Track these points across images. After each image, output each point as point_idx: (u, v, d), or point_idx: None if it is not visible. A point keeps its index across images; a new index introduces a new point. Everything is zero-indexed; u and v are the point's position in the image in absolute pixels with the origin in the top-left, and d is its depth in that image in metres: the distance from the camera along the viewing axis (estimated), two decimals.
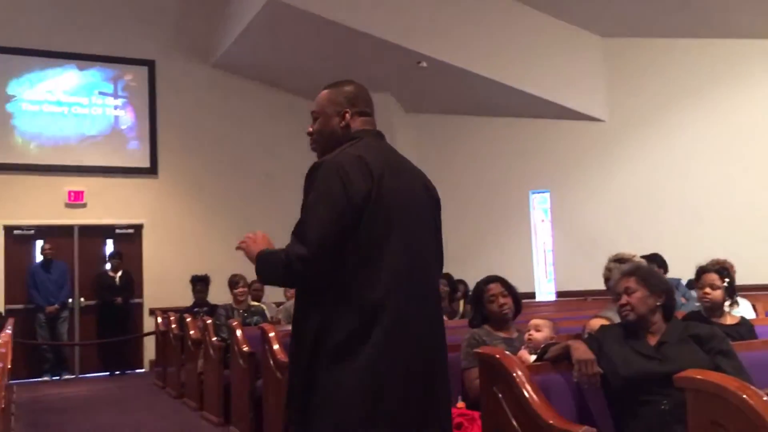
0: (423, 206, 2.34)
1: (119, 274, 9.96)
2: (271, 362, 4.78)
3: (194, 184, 10.82)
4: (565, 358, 2.97)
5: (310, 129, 2.42)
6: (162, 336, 8.67)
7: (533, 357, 3.40)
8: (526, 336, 3.66)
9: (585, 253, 9.00)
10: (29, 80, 10.14)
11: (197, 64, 10.92)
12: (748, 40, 8.18)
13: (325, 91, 2.41)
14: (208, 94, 10.98)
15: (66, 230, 10.12)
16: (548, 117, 9.62)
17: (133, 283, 10.09)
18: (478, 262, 9.45)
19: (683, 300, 5.52)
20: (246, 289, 6.81)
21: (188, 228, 10.67)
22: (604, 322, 3.48)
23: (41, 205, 9.94)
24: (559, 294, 9.59)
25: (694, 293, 4.94)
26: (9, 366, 4.54)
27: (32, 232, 9.95)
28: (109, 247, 10.36)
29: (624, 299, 2.97)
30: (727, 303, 4.10)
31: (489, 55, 9.21)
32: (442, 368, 2.27)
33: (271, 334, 4.88)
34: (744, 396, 2.09)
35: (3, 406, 3.47)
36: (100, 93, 10.54)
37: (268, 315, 6.91)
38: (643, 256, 4.37)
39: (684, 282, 6.14)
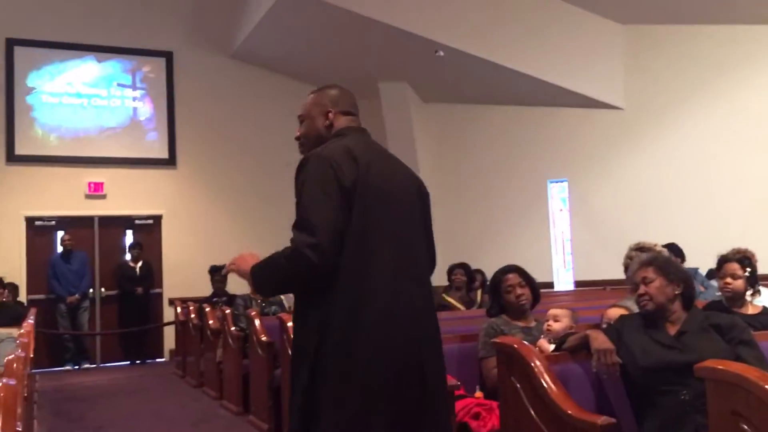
0: (412, 198, 2.37)
1: (140, 264, 10.05)
2: (290, 352, 4.79)
3: (212, 174, 10.87)
4: (583, 347, 2.96)
5: (298, 133, 2.48)
6: (181, 326, 8.73)
7: (552, 346, 3.39)
8: (545, 326, 3.65)
9: (603, 242, 8.95)
10: (49, 72, 10.22)
11: (215, 54, 10.95)
12: None
13: (311, 96, 2.48)
14: (226, 85, 11.01)
15: (86, 221, 10.22)
16: (566, 105, 9.55)
17: (153, 273, 10.19)
18: (495, 251, 9.43)
19: (701, 288, 5.48)
20: None
21: (207, 218, 10.73)
22: (623, 311, 3.46)
23: (62, 197, 10.04)
24: (578, 283, 9.54)
25: (714, 282, 4.90)
26: (31, 355, 4.60)
27: (53, 223, 10.06)
28: (129, 237, 10.46)
29: (642, 289, 2.94)
30: (748, 292, 4.05)
31: (506, 43, 9.15)
32: (435, 358, 2.27)
33: (290, 324, 4.89)
34: (765, 386, 2.07)
35: (26, 394, 3.52)
36: (119, 84, 10.61)
37: (286, 305, 6.93)
38: None
39: (703, 271, 6.09)
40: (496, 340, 3.21)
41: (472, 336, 3.88)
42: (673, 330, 2.88)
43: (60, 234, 9.97)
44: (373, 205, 2.19)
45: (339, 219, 2.13)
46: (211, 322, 6.98)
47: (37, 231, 9.98)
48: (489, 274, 4.64)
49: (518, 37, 9.17)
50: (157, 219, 10.57)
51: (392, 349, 2.13)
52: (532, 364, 2.83)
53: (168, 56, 10.77)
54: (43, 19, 10.08)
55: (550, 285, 9.63)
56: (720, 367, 2.27)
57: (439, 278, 9.53)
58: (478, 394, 3.56)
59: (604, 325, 3.31)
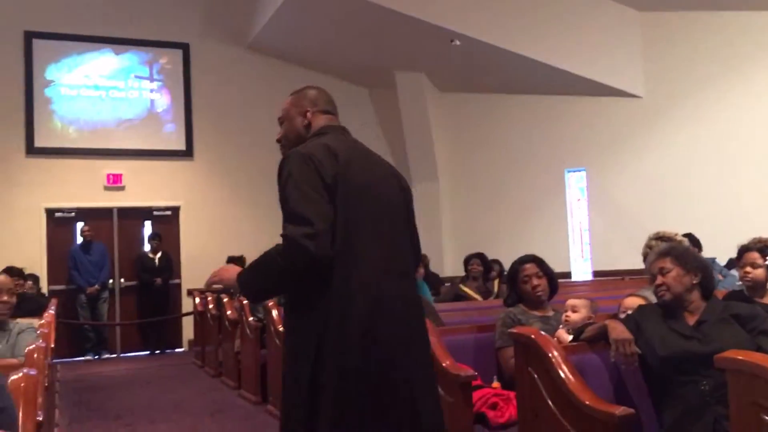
0: (394, 193, 2.38)
1: (159, 255, 10.13)
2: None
3: (229, 165, 10.91)
4: (602, 337, 2.95)
5: (279, 136, 2.50)
6: (200, 316, 8.79)
7: (571, 337, 3.37)
8: (564, 317, 3.63)
9: (622, 232, 8.89)
10: (67, 65, 10.29)
11: (231, 46, 10.97)
12: None
13: (289, 98, 2.50)
14: (243, 76, 11.03)
15: (105, 212, 10.30)
16: (584, 94, 9.47)
17: (172, 264, 10.26)
18: (513, 241, 9.41)
19: (720, 277, 5.43)
20: None
21: (224, 209, 10.78)
22: (640, 301, 3.43)
23: (81, 188, 10.13)
24: (596, 273, 9.49)
25: (734, 272, 4.85)
26: (52, 345, 4.65)
27: (72, 214, 10.15)
28: (148, 228, 10.53)
29: (659, 279, 2.91)
30: None
31: (523, 32, 9.08)
32: (421, 351, 2.29)
33: None
34: None
35: (47, 384, 3.56)
36: (136, 76, 10.66)
37: None
38: None
39: (722, 261, 6.04)
40: (513, 330, 3.20)
41: (489, 326, 3.87)
42: (692, 320, 2.85)
43: (80, 225, 10.07)
44: (356, 201, 2.20)
45: (329, 211, 2.14)
46: (229, 312, 7.02)
47: (57, 222, 10.07)
48: (506, 265, 4.62)
49: (535, 25, 9.10)
50: (175, 210, 10.63)
51: (381, 342, 2.15)
52: (550, 355, 2.81)
53: (185, 48, 10.81)
54: (60, 12, 10.15)
55: (568, 275, 9.59)
56: (741, 357, 2.25)
57: (455, 268, 9.54)
58: (496, 384, 3.55)
59: (622, 315, 3.29)
